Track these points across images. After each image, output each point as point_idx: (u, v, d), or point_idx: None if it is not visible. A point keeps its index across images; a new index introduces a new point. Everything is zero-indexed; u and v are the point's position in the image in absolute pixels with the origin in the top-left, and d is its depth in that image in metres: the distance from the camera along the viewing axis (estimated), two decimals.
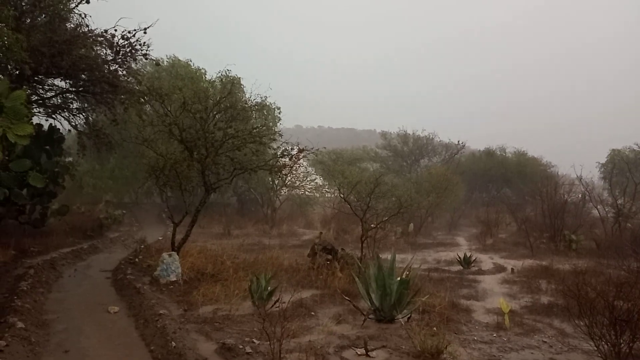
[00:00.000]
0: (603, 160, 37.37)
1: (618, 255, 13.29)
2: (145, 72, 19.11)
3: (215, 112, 12.57)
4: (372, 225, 14.73)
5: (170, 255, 11.31)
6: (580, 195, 25.88)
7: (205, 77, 23.60)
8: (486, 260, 17.40)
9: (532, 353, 7.39)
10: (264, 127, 14.36)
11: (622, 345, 6.18)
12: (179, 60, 25.48)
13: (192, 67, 25.02)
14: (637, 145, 36.55)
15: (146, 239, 16.96)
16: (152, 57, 12.99)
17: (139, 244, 15.51)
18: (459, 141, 39.56)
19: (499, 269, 15.77)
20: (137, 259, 13.40)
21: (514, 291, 12.28)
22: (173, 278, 11.00)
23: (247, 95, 14.56)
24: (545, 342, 8.01)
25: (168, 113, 12.17)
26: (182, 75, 21.71)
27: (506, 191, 41.97)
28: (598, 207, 24.31)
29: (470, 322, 9.18)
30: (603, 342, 6.37)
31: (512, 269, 15.08)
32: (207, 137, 12.12)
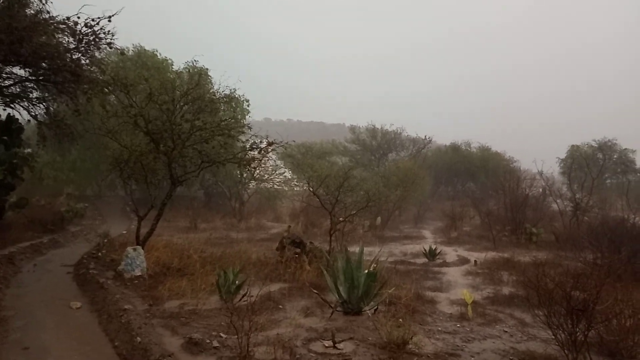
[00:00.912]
0: (563, 155, 38.73)
1: (575, 247, 13.85)
2: (109, 61, 18.54)
3: (182, 104, 12.36)
4: (341, 218, 14.84)
5: (135, 250, 11.10)
6: (540, 190, 26.79)
7: (172, 68, 23.14)
8: (451, 253, 17.82)
9: (493, 342, 7.64)
10: (233, 120, 14.21)
11: (578, 333, 6.45)
12: (145, 50, 24.83)
13: (159, 57, 24.46)
14: (594, 141, 38.04)
15: (110, 232, 16.57)
16: (117, 46, 12.57)
17: (102, 237, 15.14)
18: (425, 136, 40.23)
19: (463, 261, 16.18)
20: (100, 253, 13.07)
21: (476, 283, 12.63)
22: (138, 272, 10.80)
23: (216, 87, 14.36)
24: (506, 331, 8.31)
25: (133, 104, 11.88)
26: (149, 65, 21.21)
27: (470, 185, 43.03)
28: (557, 201, 25.28)
29: (435, 313, 9.40)
30: (560, 331, 6.64)
31: (475, 261, 15.50)
32: (174, 129, 11.90)
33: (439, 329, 8.26)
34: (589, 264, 11.29)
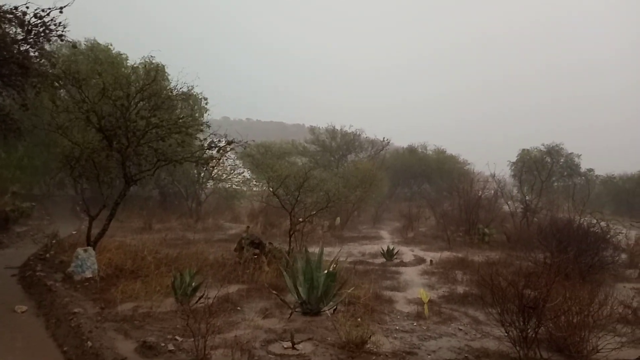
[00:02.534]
0: (514, 159, 40.19)
1: (526, 247, 14.38)
2: (60, 54, 17.75)
3: (137, 100, 11.97)
4: (300, 219, 14.82)
5: (85, 251, 10.68)
6: (493, 192, 27.76)
7: (127, 63, 22.38)
8: (407, 253, 18.14)
9: (449, 340, 7.82)
10: (190, 118, 13.92)
11: (529, 330, 6.72)
12: (98, 43, 23.93)
13: (113, 51, 23.61)
14: (543, 146, 39.72)
15: (59, 233, 15.83)
16: (69, 39, 12.02)
17: (50, 238, 14.43)
18: (384, 138, 40.79)
19: (419, 260, 16.49)
20: (48, 255, 12.48)
21: (432, 282, 12.90)
22: (89, 274, 10.39)
23: (173, 84, 14.00)
24: (461, 329, 8.52)
25: (85, 99, 11.40)
26: (102, 59, 20.41)
27: (426, 187, 43.97)
28: (509, 202, 26.29)
29: (392, 312, 9.53)
30: (512, 328, 6.89)
31: (431, 261, 15.84)
32: (129, 125, 11.53)
33: (397, 327, 8.38)
34: (539, 264, 11.76)
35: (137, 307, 8.48)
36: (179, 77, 13.82)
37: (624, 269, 14.69)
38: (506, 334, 7.04)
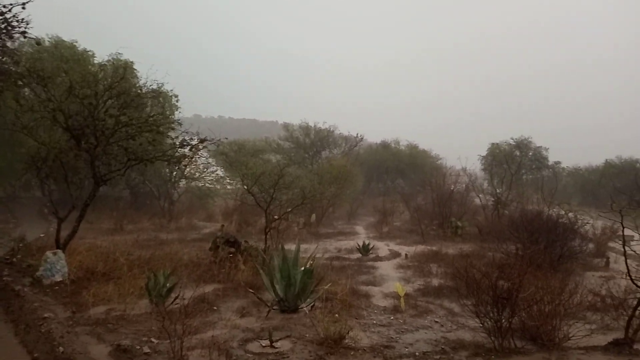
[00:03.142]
0: (484, 153, 41.01)
1: (497, 239, 14.68)
2: (24, 52, 17.13)
3: (106, 98, 11.67)
4: (276, 216, 14.75)
5: (55, 254, 10.36)
6: (464, 185, 28.25)
7: (94, 60, 21.78)
8: (383, 247, 18.29)
9: (425, 333, 7.94)
10: (161, 116, 13.66)
11: (503, 320, 6.87)
12: (62, 40, 23.18)
13: (79, 48, 22.92)
14: (512, 139, 40.65)
15: (25, 236, 15.32)
16: (32, 36, 11.62)
17: (16, 242, 13.94)
18: (357, 134, 41.01)
19: (395, 255, 16.66)
20: (14, 259, 12.03)
21: (408, 275, 13.05)
22: (59, 278, 10.09)
23: (142, 81, 13.71)
24: (437, 321, 8.66)
25: (51, 98, 11.05)
26: (67, 57, 19.82)
27: (400, 182, 44.46)
28: (480, 195, 26.84)
29: (369, 306, 9.61)
30: (487, 319, 7.04)
31: (406, 255, 16.03)
32: (97, 124, 11.21)
33: (374, 322, 8.45)
34: (511, 255, 12.03)
35: (110, 310, 8.29)
36: (148, 74, 13.53)
37: (591, 258, 15.19)
38: (481, 325, 7.19)
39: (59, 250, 10.64)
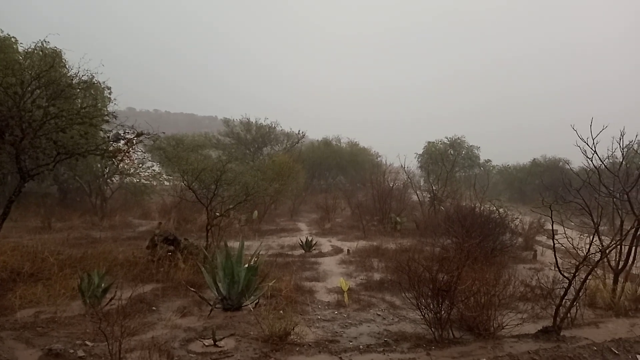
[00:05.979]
0: (420, 151, 42.37)
1: (434, 233, 15.21)
2: None
3: (33, 87, 10.87)
4: (217, 213, 14.42)
5: None
6: (403, 183, 29.08)
7: (18, 47, 20.22)
8: (325, 244, 18.42)
9: (369, 326, 8.06)
10: (94, 108, 12.92)
11: (443, 312, 7.12)
12: None
13: (0, 34, 21.20)
14: (446, 138, 42.32)
15: None
16: None
17: None
18: (299, 130, 41.03)
19: (337, 250, 16.83)
20: None
21: (350, 270, 13.21)
22: None
23: (74, 71, 12.87)
24: (380, 315, 8.83)
25: None
26: None
27: (341, 179, 45.04)
28: (417, 192, 27.73)
29: (314, 302, 9.63)
30: (427, 311, 7.26)
31: (348, 250, 16.23)
32: (23, 116, 10.41)
33: (319, 317, 8.48)
34: (449, 248, 12.49)
35: (39, 312, 7.76)
36: (80, 64, 12.72)
37: (521, 252, 16.09)
38: (422, 317, 7.41)
39: None
